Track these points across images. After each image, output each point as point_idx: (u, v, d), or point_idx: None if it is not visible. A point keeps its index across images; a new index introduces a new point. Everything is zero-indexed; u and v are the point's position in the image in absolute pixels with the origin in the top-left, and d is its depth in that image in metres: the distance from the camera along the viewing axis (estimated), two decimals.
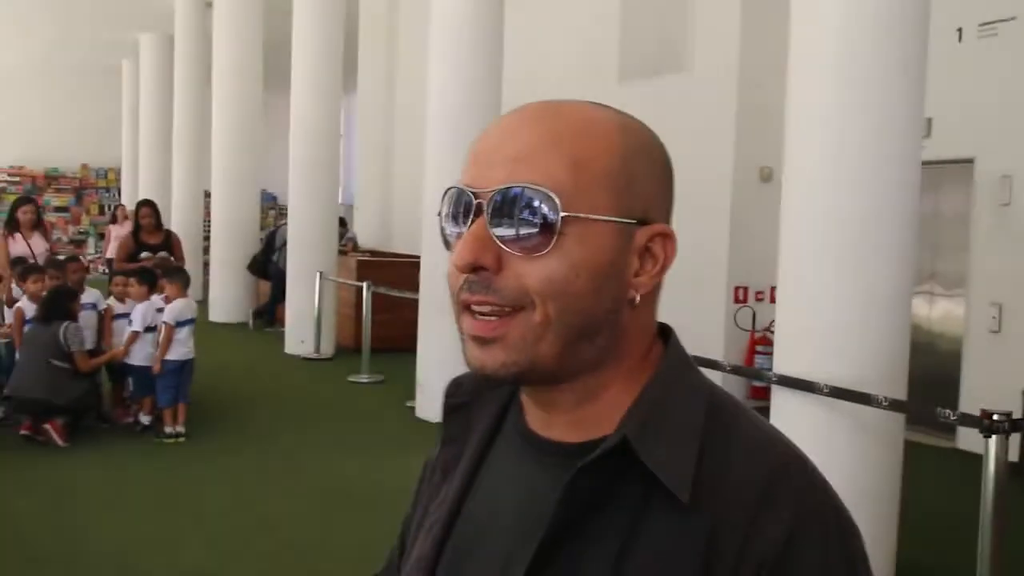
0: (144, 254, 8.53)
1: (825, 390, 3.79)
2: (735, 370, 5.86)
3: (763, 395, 8.31)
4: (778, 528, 0.79)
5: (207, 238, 14.65)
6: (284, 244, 11.74)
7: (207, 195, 14.84)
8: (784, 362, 4.15)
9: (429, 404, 7.61)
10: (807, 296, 4.06)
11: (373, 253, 12.99)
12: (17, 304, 7.09)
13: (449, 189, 0.86)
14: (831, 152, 3.99)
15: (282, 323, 11.68)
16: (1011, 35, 6.94)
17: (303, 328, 10.73)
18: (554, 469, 0.85)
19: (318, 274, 10.48)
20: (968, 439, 6.55)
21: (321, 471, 6.23)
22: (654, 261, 0.86)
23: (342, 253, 11.97)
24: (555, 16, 10.75)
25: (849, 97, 3.93)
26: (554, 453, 0.88)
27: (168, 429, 6.85)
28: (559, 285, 0.80)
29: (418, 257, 10.19)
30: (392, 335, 10.11)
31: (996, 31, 7.02)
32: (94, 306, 7.25)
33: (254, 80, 13.57)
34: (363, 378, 9.35)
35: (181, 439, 6.84)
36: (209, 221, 14.38)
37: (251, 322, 12.95)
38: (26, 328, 6.89)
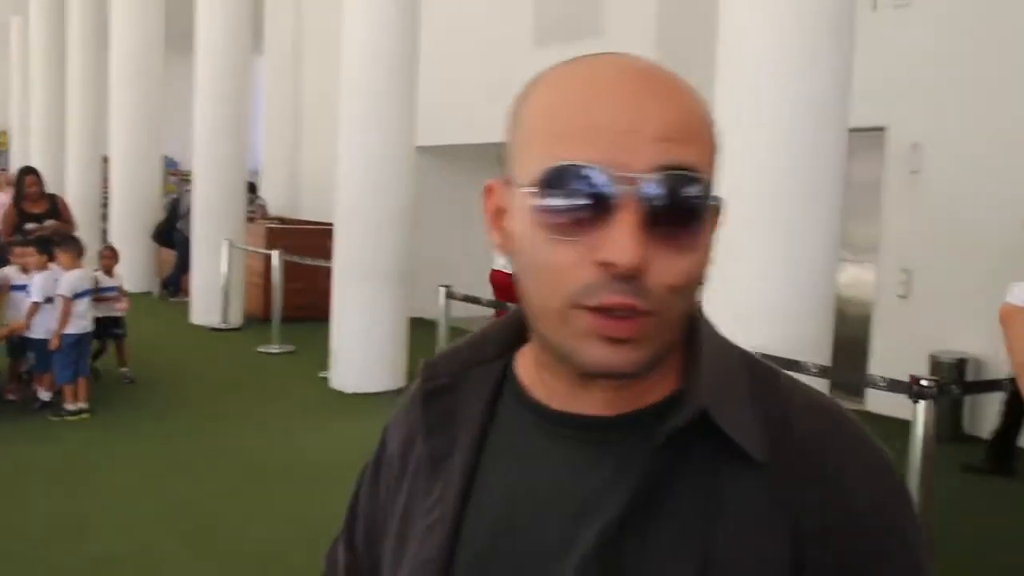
0: (29, 225, 8.16)
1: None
2: None
3: None
4: (863, 485, 0.78)
5: (105, 205, 14.11)
6: (188, 211, 11.38)
7: (105, 160, 14.27)
8: None
9: (344, 374, 7.46)
10: (733, 264, 4.04)
11: (282, 220, 12.69)
12: None
13: (568, 167, 0.72)
14: (758, 119, 3.96)
15: (187, 293, 11.34)
16: (923, 5, 7.05)
17: (210, 298, 10.43)
18: (601, 447, 0.80)
19: (226, 242, 10.17)
20: (878, 402, 6.71)
21: (235, 446, 6.04)
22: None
23: (250, 220, 11.64)
24: None
25: (777, 66, 3.90)
26: (590, 428, 0.81)
27: (70, 406, 6.55)
28: (695, 279, 0.75)
29: (329, 224, 9.98)
30: (303, 304, 9.94)
31: (909, 1, 7.12)
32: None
33: (154, 39, 13.04)
34: (273, 348, 9.13)
35: (84, 416, 6.56)
36: (108, 188, 13.84)
37: (157, 291, 12.54)
38: None
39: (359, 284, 7.34)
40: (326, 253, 8.50)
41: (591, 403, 0.81)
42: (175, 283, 12.33)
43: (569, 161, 0.71)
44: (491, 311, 8.84)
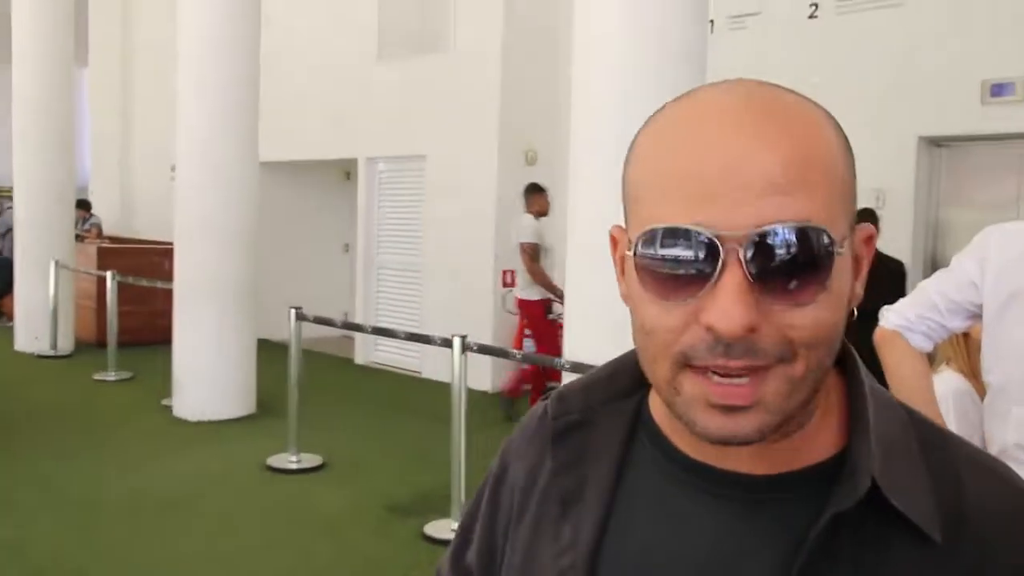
0: None
1: None
2: (526, 358, 5.82)
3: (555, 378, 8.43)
4: None
5: None
6: (10, 230, 10.69)
7: None
8: (575, 349, 4.13)
9: (188, 401, 7.12)
10: (594, 283, 4.05)
11: (113, 239, 12.07)
12: None
13: (666, 228, 0.67)
14: (616, 142, 3.98)
15: (10, 317, 10.62)
16: (757, 28, 7.34)
17: (36, 322, 9.81)
18: (746, 507, 0.75)
19: (53, 262, 9.57)
20: None
21: (69, 483, 5.63)
22: (859, 266, 0.75)
23: (80, 239, 11.02)
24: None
25: (634, 87, 3.94)
26: (743, 488, 0.75)
27: None
28: (828, 330, 0.69)
29: (165, 243, 9.56)
30: (138, 328, 9.49)
31: (745, 24, 7.40)
32: None
33: None
34: (110, 376, 8.62)
35: None
36: None
37: None
38: None
39: (203, 305, 7.02)
40: (163, 273, 8.12)
41: (738, 458, 0.75)
42: None
43: (666, 224, 0.67)
44: (342, 332, 8.66)
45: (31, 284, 9.87)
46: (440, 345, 5.17)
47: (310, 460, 6.02)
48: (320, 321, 6.12)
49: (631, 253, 0.70)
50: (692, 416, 0.69)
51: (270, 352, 7.95)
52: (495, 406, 7.72)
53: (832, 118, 0.73)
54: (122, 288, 8.84)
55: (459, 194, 8.83)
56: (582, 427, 0.85)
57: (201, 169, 7.05)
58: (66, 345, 9.85)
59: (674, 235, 0.67)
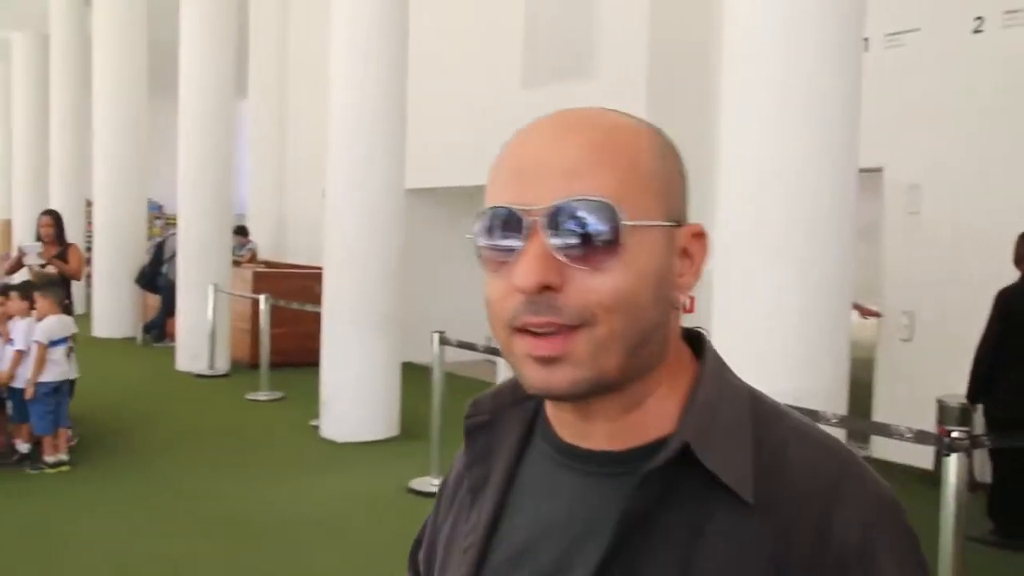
0: (34, 267, 7.98)
1: None
2: None
3: None
4: (853, 527, 0.79)
5: (89, 249, 13.91)
6: (174, 255, 11.22)
7: (89, 204, 14.10)
8: None
9: (335, 423, 7.26)
10: (744, 310, 3.90)
11: (268, 264, 12.52)
12: None
13: (491, 208, 0.82)
14: (768, 160, 3.84)
15: (172, 338, 11.13)
16: (916, 46, 7.01)
17: (196, 343, 10.23)
18: (599, 479, 0.86)
19: (211, 286, 9.98)
20: (884, 448, 6.56)
21: (221, 499, 5.82)
22: (691, 261, 0.87)
23: (238, 264, 11.48)
24: (458, 19, 10.52)
25: (786, 104, 3.80)
26: (596, 463, 0.87)
27: (49, 458, 6.32)
28: (625, 297, 0.79)
29: (316, 268, 9.83)
30: (290, 349, 9.75)
31: (903, 42, 7.08)
32: None
33: (138, 83, 12.95)
34: (262, 396, 8.91)
35: (64, 468, 6.33)
36: (91, 233, 13.66)
37: (140, 337, 12.32)
38: None
39: (350, 329, 7.16)
40: (314, 297, 8.33)
41: (596, 438, 0.87)
42: (160, 328, 12.12)
43: (487, 204, 0.82)
44: (484, 356, 8.68)
45: (191, 307, 10.32)
46: None
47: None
48: (463, 345, 6.14)
49: (474, 234, 0.83)
50: (522, 371, 0.82)
51: (413, 375, 8.04)
52: None
53: (652, 129, 0.88)
54: (275, 311, 9.14)
55: None
56: (489, 427, 0.97)
57: (349, 196, 7.22)
58: (222, 365, 10.24)
59: (492, 214, 0.81)
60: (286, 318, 9.63)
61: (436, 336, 6.07)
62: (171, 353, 10.78)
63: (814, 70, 3.80)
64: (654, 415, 0.85)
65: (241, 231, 12.71)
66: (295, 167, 14.20)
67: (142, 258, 12.73)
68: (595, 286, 0.78)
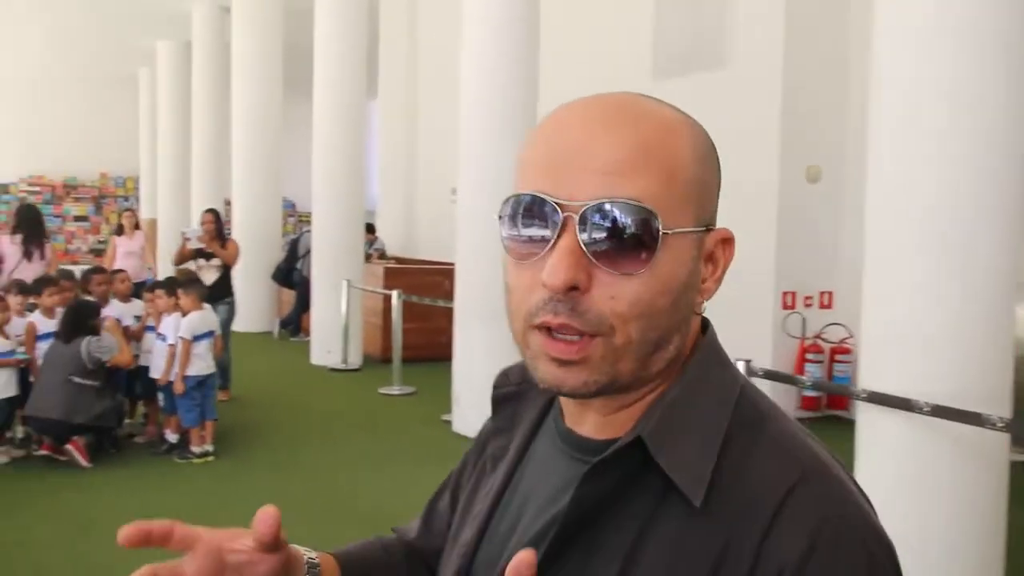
0: (200, 261, 8.47)
1: (925, 409, 3.42)
2: (816, 386, 5.47)
3: (812, 405, 7.98)
4: (796, 543, 0.74)
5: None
6: (308, 252, 11.52)
7: (227, 203, 14.60)
8: (872, 377, 3.78)
9: (466, 417, 7.28)
10: (899, 303, 3.69)
11: (398, 260, 12.70)
12: (30, 318, 6.78)
13: (524, 195, 0.79)
14: (924, 146, 3.63)
15: (307, 332, 11.43)
16: None
17: (330, 338, 10.45)
18: (582, 465, 0.84)
19: (345, 282, 10.18)
20: None
21: (356, 490, 5.92)
22: (715, 266, 0.86)
23: (368, 260, 11.69)
24: (586, 12, 10.43)
25: (945, 85, 3.57)
26: (583, 449, 0.87)
27: (195, 448, 6.55)
28: (645, 307, 0.78)
29: (446, 264, 9.91)
30: (421, 344, 9.85)
31: None
32: (118, 321, 6.95)
33: (274, 86, 13.31)
34: (394, 390, 9.03)
35: (209, 458, 6.55)
36: (230, 229, 14.14)
37: (276, 331, 12.70)
38: (39, 344, 6.60)
39: (481, 325, 7.18)
40: (444, 293, 8.39)
41: (588, 426, 0.87)
42: (295, 323, 12.46)
43: (522, 191, 0.79)
44: None
45: (325, 302, 10.56)
46: None
47: None
48: None
49: (498, 220, 0.81)
50: (534, 365, 0.81)
51: None
52: None
53: (695, 127, 0.84)
54: (406, 306, 9.25)
55: (735, 213, 8.51)
56: (516, 398, 0.99)
57: (480, 193, 7.23)
58: (355, 359, 10.42)
59: (525, 202, 0.79)
60: (417, 313, 9.74)
61: None
62: (306, 347, 11.05)
63: (971, 49, 3.58)
64: (640, 409, 0.85)
65: (369, 229, 12.94)
66: (424, 165, 14.36)
67: (278, 255, 13.10)
68: (619, 292, 0.77)
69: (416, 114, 14.70)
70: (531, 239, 0.79)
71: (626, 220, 0.76)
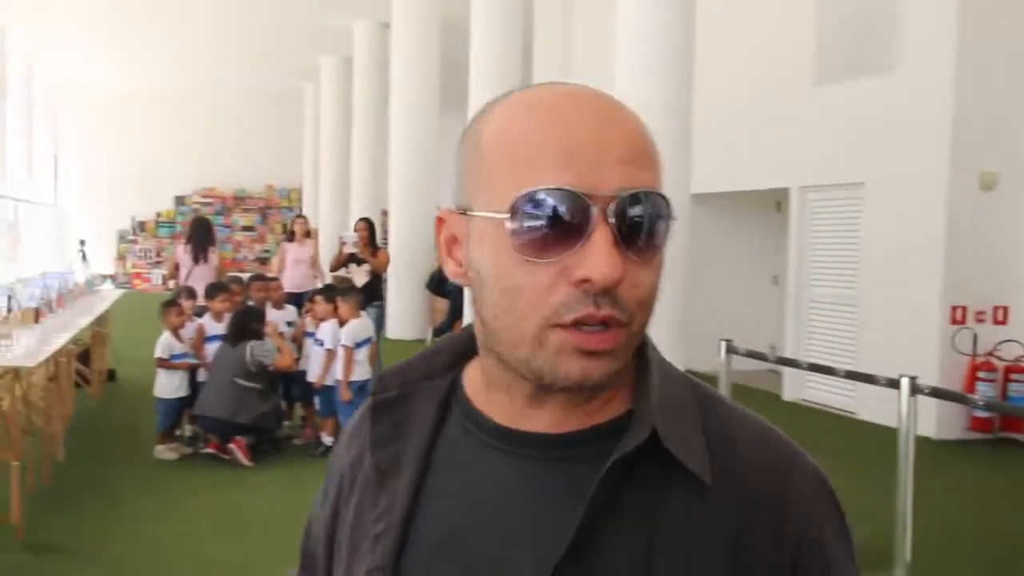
0: (351, 265, 8.85)
1: None
2: (991, 406, 5.15)
3: (985, 427, 7.51)
4: (805, 505, 0.83)
5: None
6: None
7: (384, 213, 14.99)
8: None
9: None
10: None
11: None
12: (199, 321, 7.13)
13: (547, 189, 0.75)
14: None
15: None
16: None
17: None
18: (540, 463, 0.83)
19: None
20: None
21: None
22: None
23: None
24: (743, 17, 10.20)
25: None
26: (538, 447, 0.84)
27: None
28: (656, 292, 0.80)
29: None
30: None
31: None
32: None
33: (431, 99, 13.60)
34: None
35: None
36: (387, 239, 14.51)
37: (429, 339, 12.93)
38: (207, 346, 6.92)
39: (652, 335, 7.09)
40: None
41: (541, 421, 0.84)
42: (448, 331, 12.59)
43: (544, 185, 0.75)
44: (772, 366, 8.33)
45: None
46: (885, 386, 4.72)
47: None
48: (752, 355, 5.89)
49: (505, 216, 0.76)
50: (555, 365, 0.77)
51: None
52: (944, 454, 6.98)
53: None
54: None
55: (902, 223, 8.15)
56: (399, 403, 0.91)
57: None
58: None
59: (551, 197, 0.75)
60: None
61: (723, 344, 5.85)
62: None
63: None
64: (606, 400, 0.84)
65: None
66: None
67: (432, 264, 13.34)
68: (642, 281, 0.78)
69: None
70: (554, 236, 0.75)
71: (652, 209, 0.77)
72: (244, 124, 23.75)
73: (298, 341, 7.29)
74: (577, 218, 0.74)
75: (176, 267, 9.11)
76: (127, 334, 11.03)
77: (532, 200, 0.75)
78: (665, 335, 7.03)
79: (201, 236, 9.22)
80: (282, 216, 24.80)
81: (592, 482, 0.78)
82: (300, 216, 11.41)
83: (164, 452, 6.67)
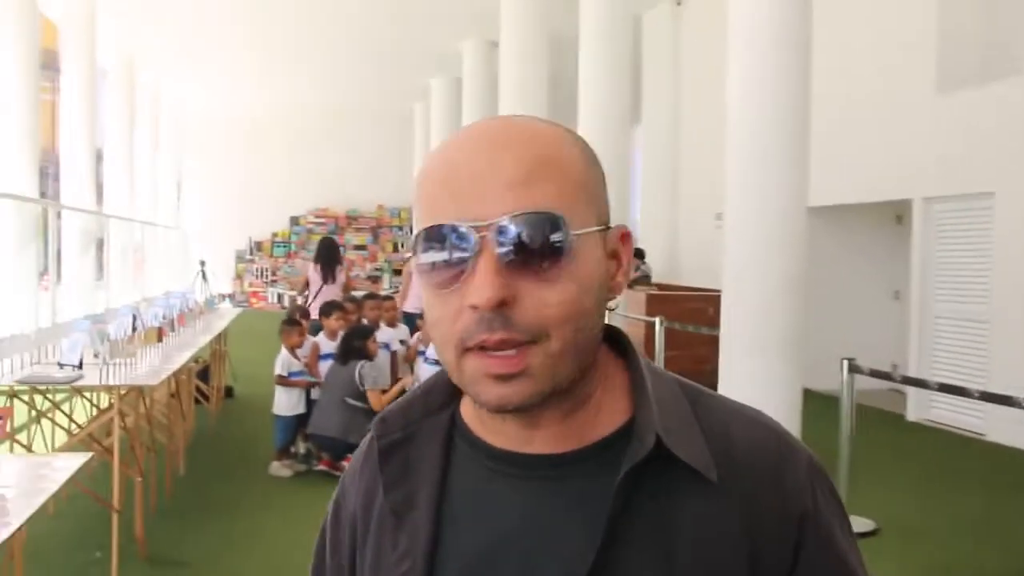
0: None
1: None
2: None
3: None
4: (803, 489, 0.86)
5: None
6: None
7: None
8: None
9: None
10: None
11: (660, 287, 12.55)
12: (314, 339, 7.24)
13: (434, 227, 0.80)
14: None
15: None
16: None
17: None
18: (549, 483, 0.85)
19: (607, 309, 10.14)
20: None
21: None
22: (619, 262, 0.88)
23: (630, 286, 11.62)
24: (863, 23, 9.89)
25: None
26: (543, 467, 0.86)
27: None
28: (573, 307, 0.80)
29: (710, 291, 9.65)
30: (683, 372, 9.44)
31: None
32: (387, 346, 7.26)
33: (539, 114, 13.57)
34: None
35: None
36: None
37: None
38: (321, 364, 7.02)
39: (748, 352, 6.88)
40: (708, 320, 8.14)
41: (540, 442, 0.86)
42: None
43: (431, 222, 0.80)
44: (894, 385, 7.99)
45: None
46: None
47: (861, 524, 5.54)
48: (876, 374, 5.63)
49: (412, 255, 0.82)
50: (476, 390, 0.81)
51: (812, 403, 7.58)
52: None
53: (577, 137, 0.87)
54: (668, 333, 9.07)
55: None
56: (404, 443, 0.93)
57: (748, 217, 6.96)
58: None
59: (438, 232, 0.79)
60: (680, 341, 9.53)
61: (845, 363, 5.62)
62: None
63: None
64: (599, 413, 0.87)
65: (638, 254, 12.88)
66: (687, 191, 14.16)
67: None
68: (547, 298, 0.78)
69: (679, 138, 14.54)
70: (449, 266, 0.79)
71: (537, 228, 0.78)
72: (356, 145, 24.26)
73: (411, 360, 7.33)
74: (462, 247, 0.78)
75: (306, 284, 9.62)
76: (243, 352, 11.32)
77: (426, 237, 0.80)
78: (780, 352, 6.82)
79: (328, 257, 9.59)
80: (393, 235, 25.19)
81: (603, 496, 0.81)
82: None
83: (279, 469, 6.78)
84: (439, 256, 0.79)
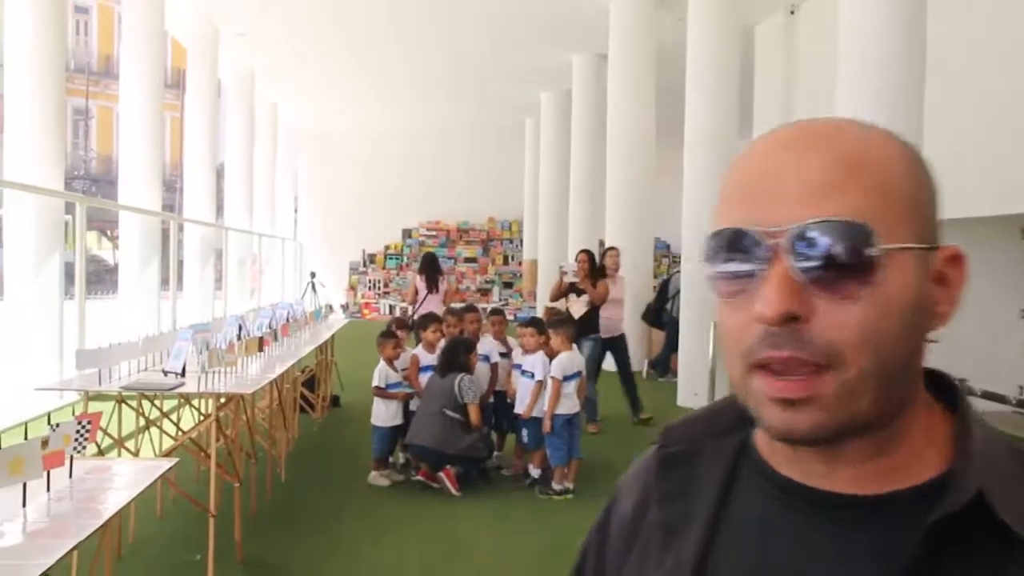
0: (571, 296, 9.00)
1: None
2: None
3: None
4: None
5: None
6: (678, 292, 11.51)
7: (601, 244, 14.95)
8: None
9: None
10: None
11: None
12: (413, 351, 7.31)
13: (724, 229, 0.75)
14: None
15: (676, 373, 11.35)
16: None
17: (697, 380, 10.29)
18: (842, 525, 0.77)
19: (712, 324, 9.96)
20: None
21: None
22: (947, 289, 0.77)
23: None
24: (980, 29, 9.47)
25: None
26: (840, 507, 0.77)
27: (557, 485, 6.64)
28: (874, 332, 0.71)
29: None
30: None
31: None
32: (486, 358, 7.27)
33: (647, 130, 13.47)
34: None
35: (569, 495, 6.61)
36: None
37: (645, 371, 12.74)
38: (421, 375, 7.08)
39: None
40: None
41: (838, 479, 0.78)
42: (664, 363, 12.43)
43: (720, 225, 0.76)
44: (1013, 409, 7.60)
45: (693, 344, 10.42)
46: None
47: None
48: (990, 396, 5.37)
49: (702, 262, 0.77)
50: (760, 412, 0.75)
51: None
52: None
53: (903, 141, 0.78)
54: None
55: None
56: (687, 458, 0.89)
57: None
58: None
59: (727, 237, 0.75)
60: None
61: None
62: (673, 388, 10.98)
63: None
64: (913, 458, 0.78)
65: None
66: None
67: (649, 295, 13.17)
68: (845, 319, 0.71)
69: None
70: (738, 275, 0.74)
71: (838, 239, 0.71)
72: (468, 159, 24.58)
73: (507, 371, 7.33)
74: (753, 255, 0.73)
75: (415, 292, 10.63)
76: (353, 361, 11.52)
77: (715, 241, 0.75)
78: None
79: (430, 269, 10.57)
80: (503, 247, 25.34)
81: (902, 549, 0.73)
82: (610, 248, 10.29)
83: (377, 479, 6.86)
84: (726, 262, 0.75)
